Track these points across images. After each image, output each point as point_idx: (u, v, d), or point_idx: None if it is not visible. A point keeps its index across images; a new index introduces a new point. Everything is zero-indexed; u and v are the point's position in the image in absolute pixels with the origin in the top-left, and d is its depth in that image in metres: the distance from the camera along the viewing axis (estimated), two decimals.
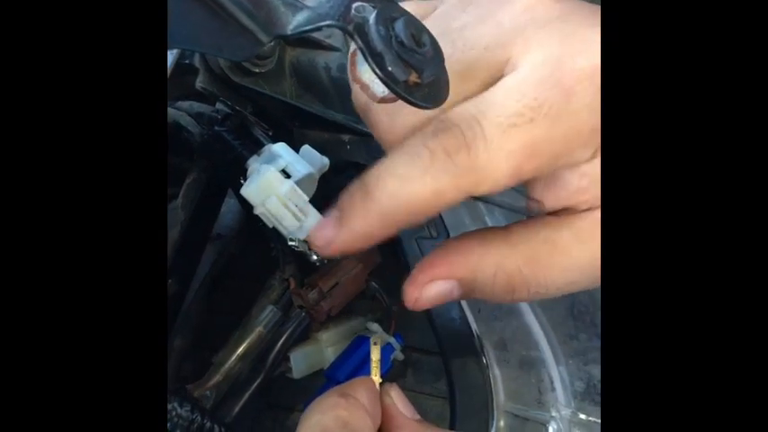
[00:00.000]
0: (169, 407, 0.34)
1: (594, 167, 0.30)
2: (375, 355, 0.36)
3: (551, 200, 0.31)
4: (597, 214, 0.31)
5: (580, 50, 0.29)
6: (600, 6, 0.32)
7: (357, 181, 0.31)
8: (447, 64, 0.30)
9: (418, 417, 0.34)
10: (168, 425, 0.34)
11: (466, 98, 0.30)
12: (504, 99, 0.29)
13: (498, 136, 0.28)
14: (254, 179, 0.35)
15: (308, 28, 0.26)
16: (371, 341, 0.36)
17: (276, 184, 0.34)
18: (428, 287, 0.32)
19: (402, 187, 0.29)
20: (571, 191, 0.31)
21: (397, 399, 0.34)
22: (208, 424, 0.35)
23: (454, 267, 0.32)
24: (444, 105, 0.29)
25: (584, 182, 0.31)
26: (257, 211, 0.35)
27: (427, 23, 0.31)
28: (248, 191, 0.35)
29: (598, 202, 0.31)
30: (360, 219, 0.31)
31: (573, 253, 0.31)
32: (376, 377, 0.35)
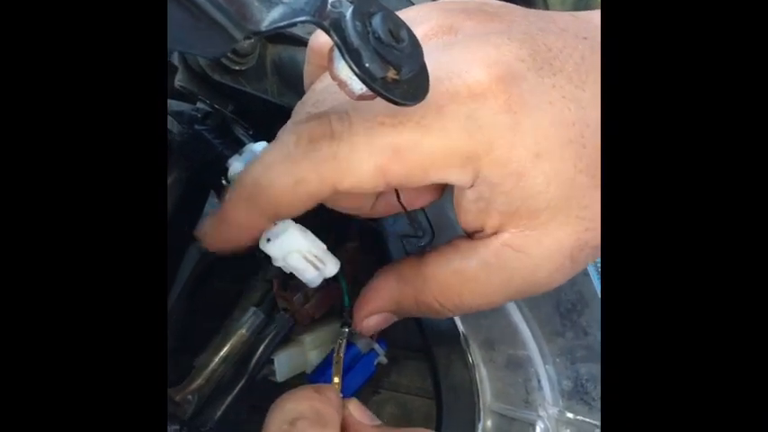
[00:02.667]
0: None
1: (480, 193, 0.31)
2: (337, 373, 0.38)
3: (461, 224, 0.34)
4: (502, 238, 0.32)
5: (458, 71, 0.30)
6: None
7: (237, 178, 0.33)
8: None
9: (378, 422, 0.36)
10: None
11: None
12: (378, 100, 0.30)
13: (364, 130, 0.29)
14: (277, 236, 0.35)
15: (282, 24, 0.26)
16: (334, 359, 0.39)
17: (298, 240, 0.35)
18: (367, 320, 0.38)
19: (264, 173, 0.31)
20: (469, 216, 0.33)
21: (355, 410, 0.36)
22: None
23: (381, 303, 0.37)
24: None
25: (474, 208, 0.32)
26: (278, 264, 0.36)
27: None
28: (270, 248, 0.35)
29: (503, 225, 0.32)
30: (231, 208, 0.33)
31: (481, 279, 0.33)
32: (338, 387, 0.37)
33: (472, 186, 0.31)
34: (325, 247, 0.36)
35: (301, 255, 0.35)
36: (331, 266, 0.36)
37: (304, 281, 0.36)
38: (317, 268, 0.35)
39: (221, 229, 0.34)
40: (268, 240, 0.35)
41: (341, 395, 0.36)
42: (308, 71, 0.37)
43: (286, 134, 0.31)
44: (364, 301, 0.37)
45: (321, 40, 0.36)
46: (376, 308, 0.37)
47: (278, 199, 0.31)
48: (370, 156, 0.29)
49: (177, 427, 0.36)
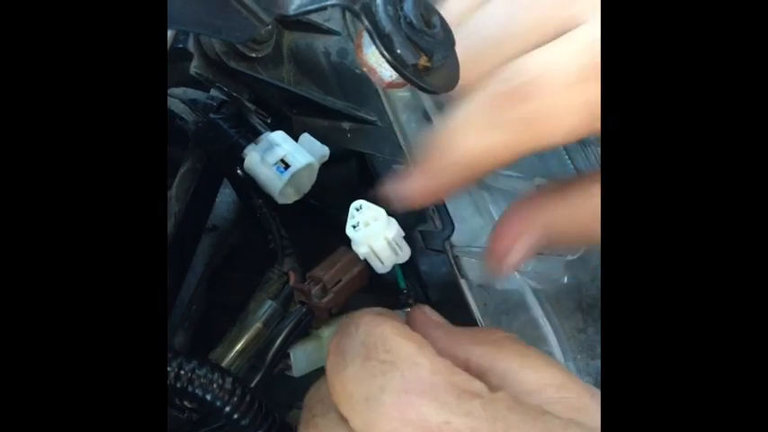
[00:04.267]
0: (200, 372, 0.35)
1: None
2: None
3: None
4: None
5: None
6: None
7: (432, 135, 0.31)
8: (515, 18, 0.30)
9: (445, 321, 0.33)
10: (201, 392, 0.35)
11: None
12: (572, 54, 0.28)
13: (563, 89, 0.28)
14: (367, 223, 0.37)
15: (311, 8, 0.25)
16: None
17: (389, 226, 0.37)
18: (515, 248, 0.32)
19: (477, 142, 0.30)
20: None
21: (429, 311, 0.32)
22: (239, 390, 0.36)
23: (532, 222, 0.32)
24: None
25: None
26: (360, 250, 0.38)
27: None
28: (357, 235, 0.37)
29: None
30: (438, 173, 0.31)
31: None
32: None
33: None
34: (404, 234, 0.37)
35: (387, 241, 0.37)
36: (406, 252, 0.38)
37: (375, 269, 0.38)
38: (396, 254, 0.37)
39: (425, 187, 0.32)
40: (354, 227, 0.37)
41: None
42: None
43: (483, 98, 0.30)
44: (508, 224, 0.33)
45: None
46: (526, 227, 0.32)
47: (490, 161, 0.30)
48: (570, 115, 0.29)
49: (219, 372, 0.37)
